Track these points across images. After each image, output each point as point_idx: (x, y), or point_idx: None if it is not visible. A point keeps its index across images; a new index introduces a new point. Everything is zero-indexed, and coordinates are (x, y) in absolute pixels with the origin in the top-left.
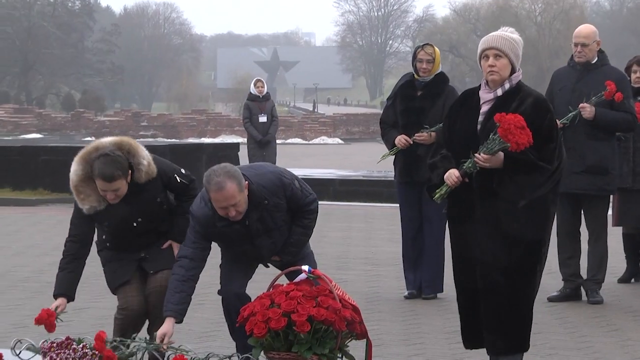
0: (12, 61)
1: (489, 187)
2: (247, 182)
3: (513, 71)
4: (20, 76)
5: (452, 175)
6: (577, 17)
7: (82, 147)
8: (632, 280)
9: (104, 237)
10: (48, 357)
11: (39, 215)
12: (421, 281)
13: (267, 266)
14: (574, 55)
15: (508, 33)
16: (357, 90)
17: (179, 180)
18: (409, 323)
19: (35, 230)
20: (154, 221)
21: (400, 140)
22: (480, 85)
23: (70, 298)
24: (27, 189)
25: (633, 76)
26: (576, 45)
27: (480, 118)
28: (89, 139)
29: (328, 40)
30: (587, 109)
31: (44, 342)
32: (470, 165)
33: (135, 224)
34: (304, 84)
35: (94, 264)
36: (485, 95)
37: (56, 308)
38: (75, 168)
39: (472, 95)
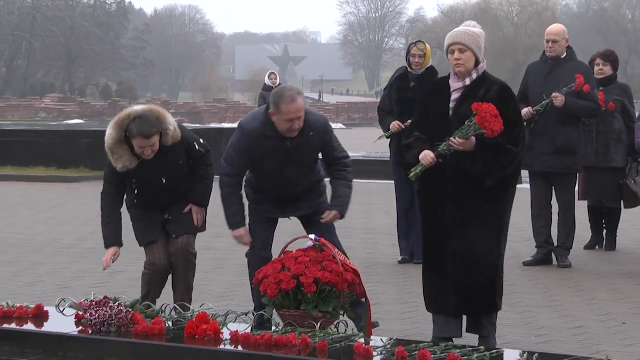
0: (57, 56)
1: (460, 167)
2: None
3: (478, 62)
4: (64, 69)
5: (427, 155)
6: (548, 17)
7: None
8: (597, 247)
9: (133, 193)
10: (88, 314)
11: (81, 190)
12: (413, 248)
13: (289, 218)
14: (545, 50)
15: (470, 27)
16: (357, 82)
17: (197, 148)
18: (402, 284)
19: (77, 204)
20: (176, 180)
21: (394, 125)
22: (449, 74)
23: (119, 245)
24: (70, 167)
25: (596, 68)
26: (547, 41)
27: (452, 104)
28: None
29: (332, 38)
30: (559, 98)
31: (84, 300)
32: (445, 147)
33: (163, 180)
34: (311, 76)
35: (128, 233)
36: (455, 84)
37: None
38: (110, 132)
39: (443, 83)
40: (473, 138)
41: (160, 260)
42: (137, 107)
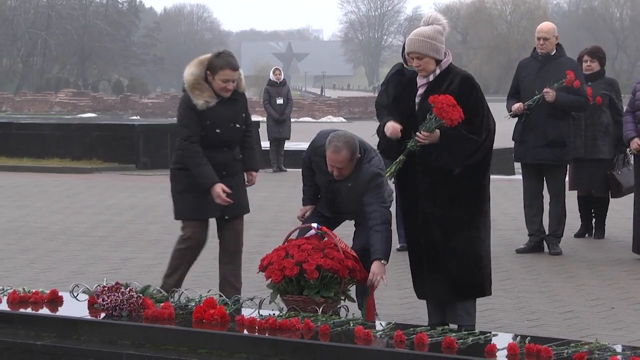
0: (71, 53)
1: (428, 160)
2: (359, 155)
3: (439, 60)
4: (78, 65)
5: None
6: (540, 16)
7: (128, 124)
8: (586, 235)
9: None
10: (100, 299)
11: (94, 181)
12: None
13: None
14: (536, 47)
15: (424, 29)
16: (358, 78)
17: (248, 113)
18: (401, 271)
19: (90, 194)
20: (240, 134)
21: None
22: None
23: (218, 182)
24: (83, 159)
25: (584, 65)
26: (539, 39)
27: (417, 100)
28: (135, 117)
29: (334, 36)
30: (550, 93)
31: (97, 286)
32: (412, 144)
33: (237, 126)
34: (314, 72)
35: (139, 221)
36: (420, 81)
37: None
38: (191, 70)
39: (414, 79)
40: (437, 131)
41: (201, 237)
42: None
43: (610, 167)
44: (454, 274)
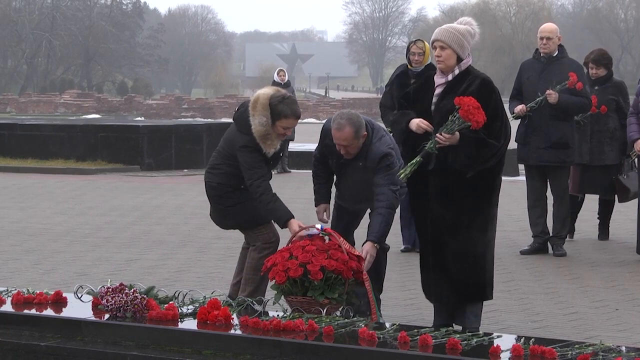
0: (76, 54)
1: (443, 161)
2: (366, 132)
3: (461, 59)
4: (83, 66)
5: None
6: (545, 17)
7: (132, 125)
8: (568, 236)
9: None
10: (105, 300)
11: (98, 182)
12: (415, 237)
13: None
14: (539, 47)
15: (457, 25)
16: (362, 79)
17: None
18: (405, 272)
19: (95, 195)
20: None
21: None
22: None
23: (293, 217)
24: (88, 160)
25: (590, 72)
26: (541, 39)
27: (434, 99)
28: (139, 119)
29: (338, 37)
30: (553, 95)
31: (101, 287)
32: (432, 145)
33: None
34: (318, 73)
35: (143, 222)
36: (438, 80)
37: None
38: (260, 120)
39: (430, 78)
40: (457, 133)
41: (278, 237)
42: (267, 90)
43: (617, 172)
44: (458, 275)
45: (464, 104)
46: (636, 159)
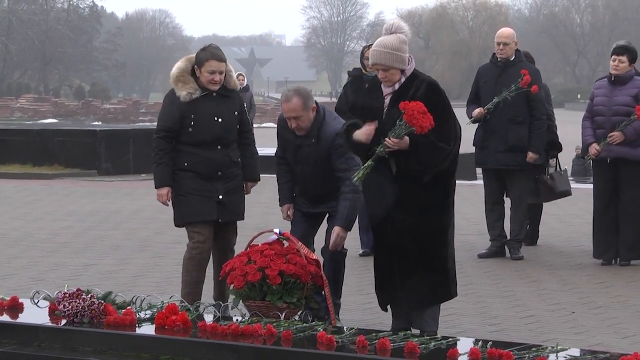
0: (32, 58)
1: (398, 167)
2: (314, 105)
3: (404, 69)
4: (39, 71)
5: (361, 134)
6: (502, 22)
7: (89, 129)
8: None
9: (187, 132)
10: (61, 306)
11: (55, 187)
12: (373, 241)
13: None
14: (496, 52)
15: (389, 39)
16: (321, 83)
17: (246, 113)
18: (363, 276)
19: (51, 200)
20: (229, 131)
21: None
22: None
23: (171, 186)
24: (45, 165)
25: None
26: (498, 44)
27: (385, 108)
28: (97, 123)
29: (296, 41)
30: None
31: (58, 292)
32: (381, 149)
33: (219, 120)
34: (276, 78)
35: (100, 227)
36: (386, 90)
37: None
38: (178, 65)
39: (377, 85)
40: (406, 138)
41: (206, 237)
42: None
43: (542, 172)
44: (427, 280)
45: (409, 108)
46: (590, 162)
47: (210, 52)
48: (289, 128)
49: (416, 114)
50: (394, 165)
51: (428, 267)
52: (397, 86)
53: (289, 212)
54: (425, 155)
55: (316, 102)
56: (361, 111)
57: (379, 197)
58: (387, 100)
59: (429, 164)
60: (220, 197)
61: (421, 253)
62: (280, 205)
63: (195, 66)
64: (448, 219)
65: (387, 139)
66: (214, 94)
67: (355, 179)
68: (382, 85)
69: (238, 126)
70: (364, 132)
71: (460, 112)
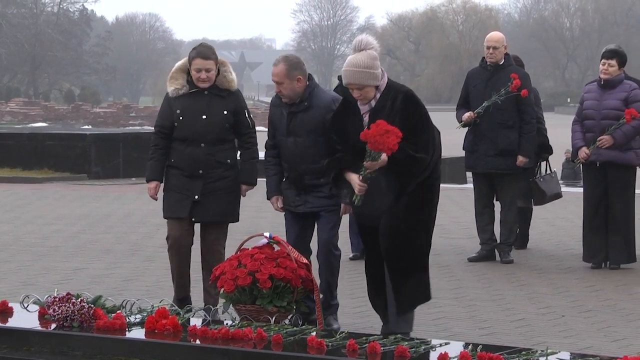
0: (22, 62)
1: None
2: (302, 77)
3: (377, 83)
4: (29, 74)
5: (356, 184)
6: (491, 26)
7: (79, 133)
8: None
9: (173, 126)
10: (51, 310)
11: (45, 190)
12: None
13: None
14: (485, 56)
15: (359, 57)
16: None
17: (246, 116)
18: (353, 280)
19: (41, 204)
20: (214, 130)
21: None
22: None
23: (161, 181)
24: (34, 169)
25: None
26: (488, 48)
27: (365, 127)
28: (87, 127)
29: (286, 45)
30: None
31: (47, 297)
32: (363, 173)
33: (204, 117)
34: (267, 81)
35: (91, 231)
36: (363, 108)
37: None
38: (177, 63)
39: (353, 104)
40: (384, 155)
41: (180, 233)
42: None
43: (532, 175)
44: (415, 280)
45: (369, 137)
46: (580, 166)
47: (197, 51)
48: (280, 103)
49: (378, 139)
50: (382, 180)
51: (415, 267)
52: (373, 103)
53: (278, 203)
54: (405, 168)
55: (310, 75)
56: (342, 135)
57: (371, 210)
58: (365, 118)
59: (410, 176)
60: (196, 197)
61: (412, 258)
62: (269, 198)
63: (189, 64)
64: (431, 218)
65: (365, 162)
66: (205, 92)
67: (357, 202)
68: (358, 104)
69: (229, 126)
70: (357, 183)
71: (451, 116)
